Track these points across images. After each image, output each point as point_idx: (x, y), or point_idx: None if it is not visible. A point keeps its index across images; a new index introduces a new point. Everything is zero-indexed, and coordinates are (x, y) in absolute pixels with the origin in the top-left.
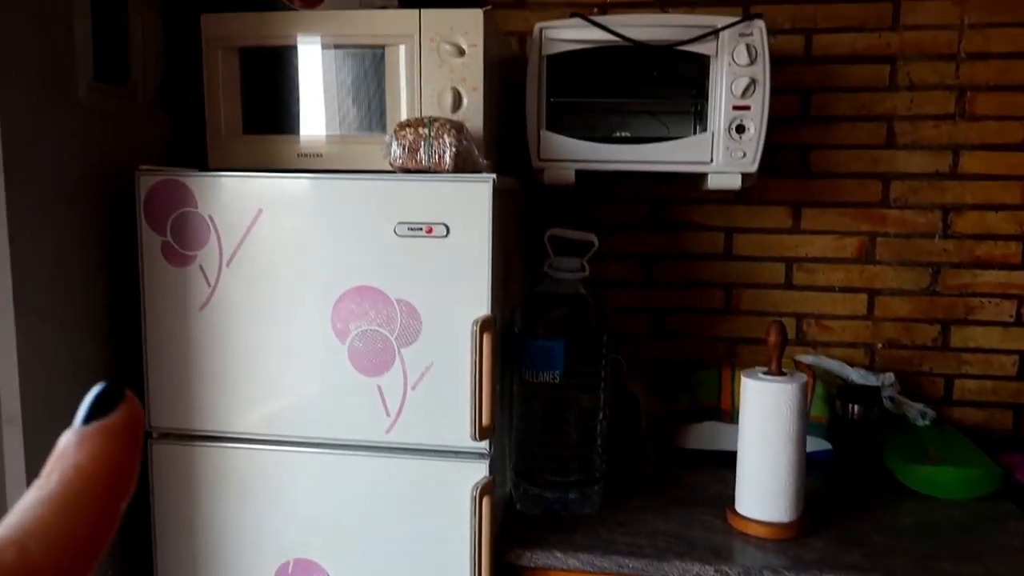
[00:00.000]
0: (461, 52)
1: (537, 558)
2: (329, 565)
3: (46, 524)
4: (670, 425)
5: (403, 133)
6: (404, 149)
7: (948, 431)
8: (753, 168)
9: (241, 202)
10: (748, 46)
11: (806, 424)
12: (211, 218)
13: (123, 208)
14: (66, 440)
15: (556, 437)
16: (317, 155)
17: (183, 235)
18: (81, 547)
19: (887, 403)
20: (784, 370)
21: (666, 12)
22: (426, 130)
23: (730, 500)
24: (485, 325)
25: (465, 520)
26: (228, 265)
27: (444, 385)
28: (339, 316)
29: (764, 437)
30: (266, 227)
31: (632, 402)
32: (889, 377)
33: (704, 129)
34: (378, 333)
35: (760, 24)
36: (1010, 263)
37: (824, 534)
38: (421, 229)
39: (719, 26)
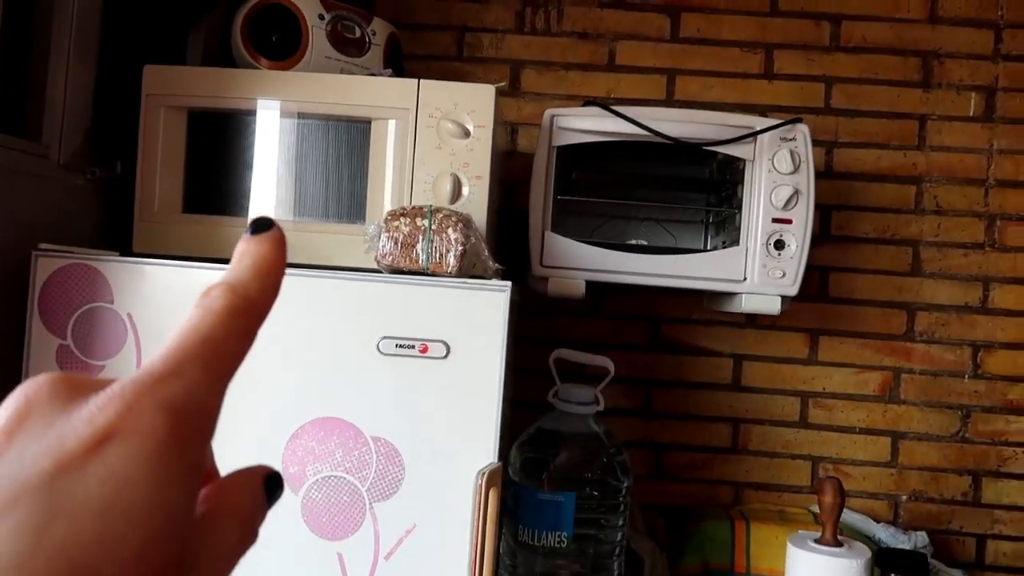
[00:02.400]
0: (466, 133)
1: None
2: None
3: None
4: None
5: (396, 224)
6: (396, 244)
7: None
8: (793, 291)
9: (172, 298)
10: (792, 152)
11: None
12: (129, 317)
13: (11, 298)
14: (247, 242)
15: None
16: None
17: (89, 338)
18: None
19: None
20: (840, 539)
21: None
22: (426, 221)
23: None
24: (492, 479)
25: None
26: None
27: (429, 555)
28: (293, 457)
29: None
30: None
31: (637, 564)
32: (922, 537)
33: (734, 242)
34: (344, 481)
35: (804, 129)
36: None
37: None
38: (413, 347)
39: (758, 128)
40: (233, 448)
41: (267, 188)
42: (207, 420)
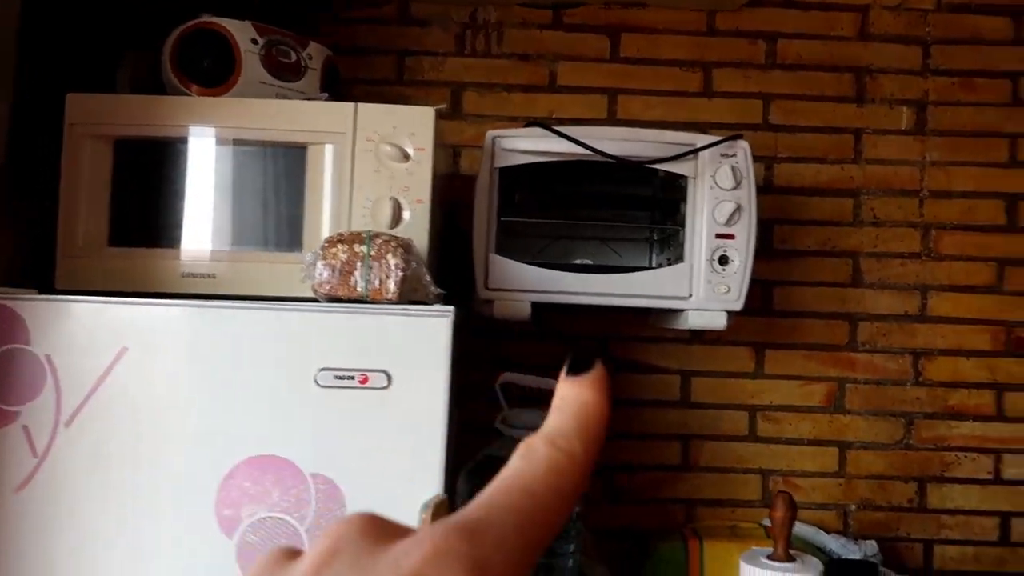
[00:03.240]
0: (405, 156)
1: None
2: None
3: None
4: None
5: (333, 251)
6: (334, 271)
7: None
8: (738, 305)
9: (96, 337)
10: (733, 168)
11: None
12: (48, 359)
13: None
14: (567, 386)
15: None
16: (208, 276)
17: (4, 382)
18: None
19: None
20: (792, 553)
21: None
22: (365, 247)
23: None
24: (438, 511)
25: None
26: (67, 426)
27: None
28: (227, 499)
29: None
30: (129, 373)
31: None
32: (872, 546)
33: (679, 259)
34: (282, 523)
35: (744, 145)
36: (984, 414)
37: None
38: (353, 378)
39: (699, 145)
40: (162, 491)
41: (200, 218)
42: None
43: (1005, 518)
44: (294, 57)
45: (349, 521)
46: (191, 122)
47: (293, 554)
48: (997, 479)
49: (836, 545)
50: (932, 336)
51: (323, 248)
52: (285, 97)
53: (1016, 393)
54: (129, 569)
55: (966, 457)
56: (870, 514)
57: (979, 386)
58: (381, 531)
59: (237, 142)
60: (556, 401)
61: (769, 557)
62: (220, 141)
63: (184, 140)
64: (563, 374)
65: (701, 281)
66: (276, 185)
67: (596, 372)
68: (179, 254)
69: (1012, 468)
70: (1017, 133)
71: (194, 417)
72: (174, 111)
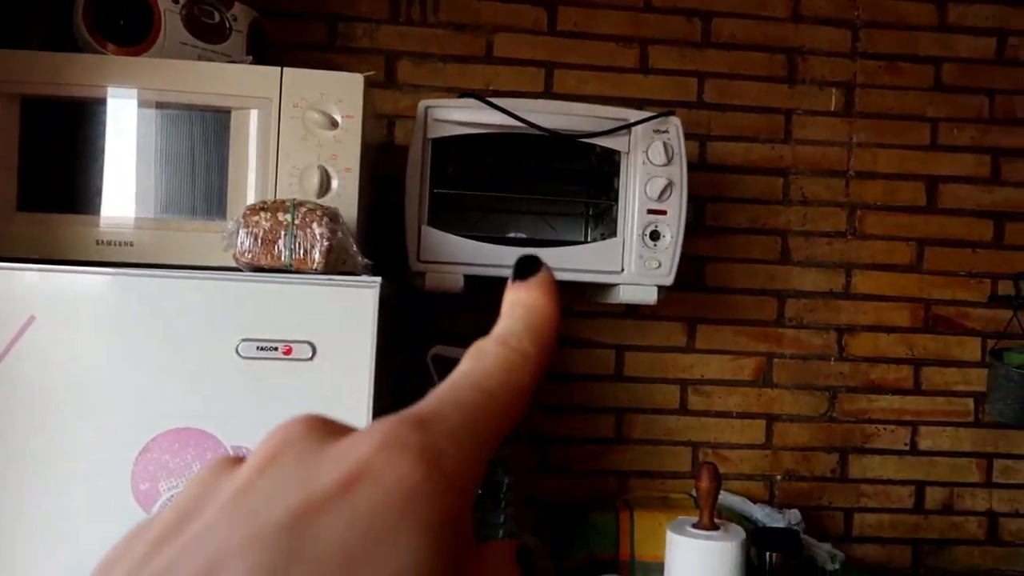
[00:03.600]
0: (333, 124)
1: None
2: None
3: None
4: None
5: (256, 219)
6: (256, 240)
7: (857, 575)
8: (669, 280)
9: (2, 305)
10: (665, 144)
11: None
12: None
13: None
14: (514, 291)
15: None
16: (125, 244)
17: None
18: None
19: None
20: (717, 522)
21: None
22: (289, 216)
23: None
24: None
25: None
26: None
27: None
28: (144, 473)
29: None
30: (38, 342)
31: (524, 560)
32: (795, 515)
33: (613, 234)
34: None
35: (676, 121)
36: (903, 388)
37: None
38: (276, 348)
39: (632, 120)
40: (74, 465)
41: (119, 183)
42: (467, 477)
43: (920, 487)
44: (218, 18)
45: (293, 421)
46: (108, 83)
47: (236, 461)
48: (913, 450)
49: (761, 514)
50: (855, 313)
51: (245, 216)
52: (208, 60)
53: (932, 368)
54: (43, 545)
55: (885, 429)
56: (795, 484)
57: (898, 361)
58: (328, 429)
59: (159, 105)
60: (504, 307)
61: (695, 526)
62: (140, 103)
63: (102, 101)
64: (510, 282)
65: (633, 256)
66: (199, 151)
67: (542, 275)
68: (96, 221)
69: (927, 440)
70: (938, 117)
71: (109, 389)
72: (89, 71)
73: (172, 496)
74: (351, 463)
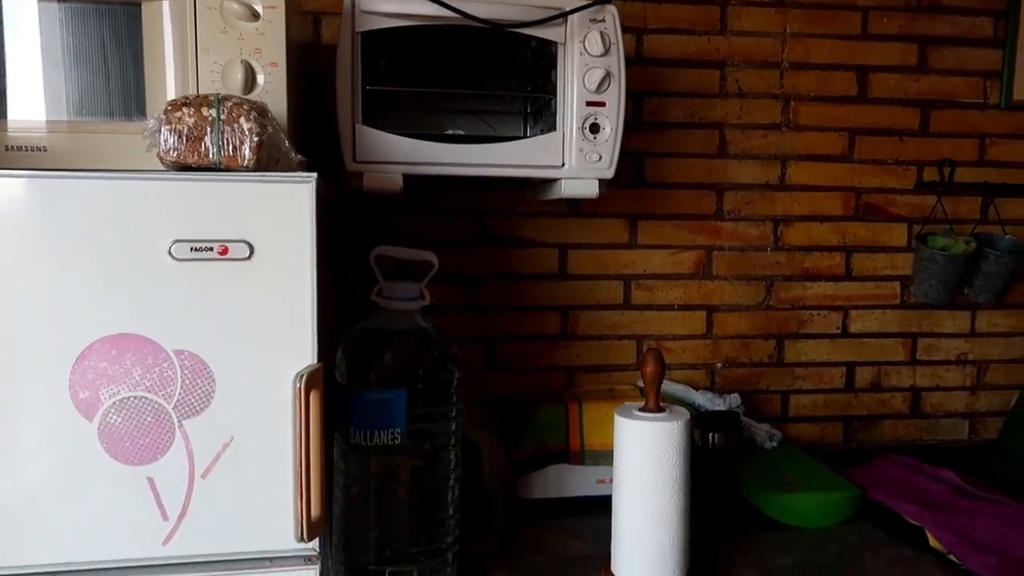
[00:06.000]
0: (254, 15)
1: None
2: None
3: None
4: (514, 475)
5: (178, 115)
6: (181, 137)
7: (794, 452)
8: (610, 173)
9: None
10: (602, 34)
11: (690, 467)
12: None
13: None
14: None
15: (397, 513)
16: (38, 149)
17: None
18: None
19: None
20: (662, 404)
21: None
22: (214, 111)
23: (597, 561)
24: (311, 380)
25: None
26: None
27: (250, 468)
28: (82, 381)
29: (648, 486)
30: None
31: (474, 454)
32: (735, 399)
33: (552, 128)
34: (147, 401)
35: (612, 10)
36: (835, 274)
37: None
38: (211, 249)
39: (568, 8)
40: (12, 380)
41: (25, 84)
42: None
43: (850, 367)
44: None
45: None
46: None
47: None
48: (844, 333)
49: (704, 400)
50: (790, 203)
51: (166, 112)
52: None
53: (863, 254)
54: None
55: (819, 315)
56: (735, 371)
57: (831, 249)
58: None
59: None
60: None
61: (641, 410)
62: None
63: None
64: None
65: (573, 149)
66: (111, 47)
67: None
68: (3, 125)
69: (857, 323)
70: (868, 6)
71: (37, 298)
72: None
73: (115, 404)
74: None
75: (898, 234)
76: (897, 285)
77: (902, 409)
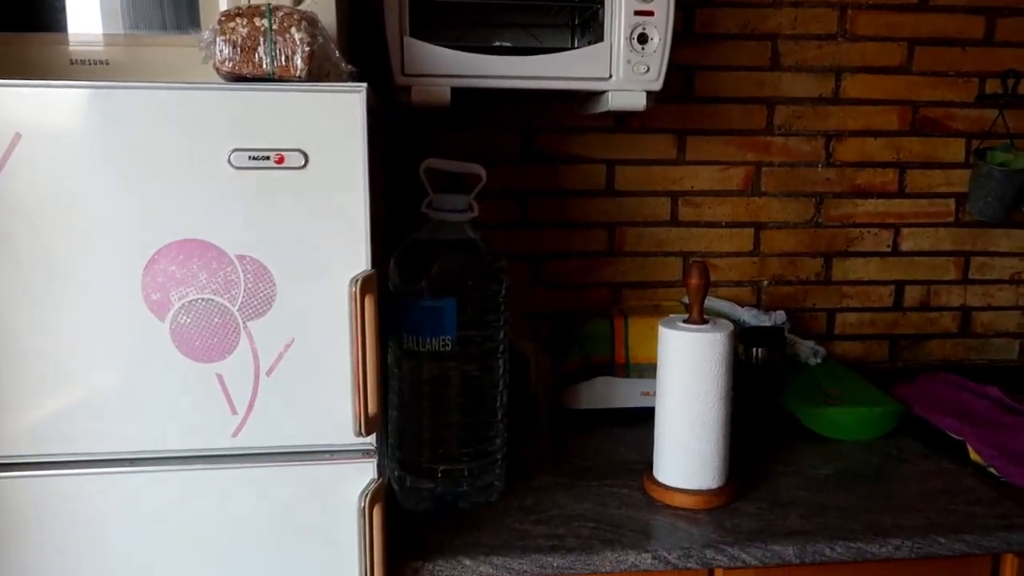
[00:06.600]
0: None
1: (440, 570)
2: None
3: None
4: (560, 386)
5: (232, 25)
6: (235, 48)
7: (838, 368)
8: (657, 85)
9: None
10: None
11: (732, 378)
12: None
13: None
14: None
15: (448, 416)
16: (100, 63)
17: None
18: None
19: None
20: (706, 316)
21: None
22: (265, 21)
23: (640, 467)
24: (366, 285)
25: (349, 537)
26: None
27: (310, 367)
28: (154, 283)
29: (690, 395)
30: (29, 161)
31: (521, 364)
32: (781, 316)
33: (599, 39)
34: (213, 303)
35: None
36: (888, 191)
37: (753, 496)
38: (268, 158)
39: None
40: (88, 284)
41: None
42: None
43: (899, 286)
44: None
45: None
46: None
47: None
48: (895, 251)
49: (748, 316)
50: (844, 118)
51: (220, 23)
52: None
53: (917, 171)
54: (63, 356)
55: (869, 232)
56: (781, 288)
57: (884, 165)
58: None
59: None
60: None
61: (685, 321)
62: None
63: None
64: None
65: (621, 61)
66: None
67: None
68: (64, 39)
69: (908, 241)
70: None
71: (105, 204)
72: None
73: (184, 305)
74: None
75: (955, 149)
76: (952, 202)
77: (951, 328)
